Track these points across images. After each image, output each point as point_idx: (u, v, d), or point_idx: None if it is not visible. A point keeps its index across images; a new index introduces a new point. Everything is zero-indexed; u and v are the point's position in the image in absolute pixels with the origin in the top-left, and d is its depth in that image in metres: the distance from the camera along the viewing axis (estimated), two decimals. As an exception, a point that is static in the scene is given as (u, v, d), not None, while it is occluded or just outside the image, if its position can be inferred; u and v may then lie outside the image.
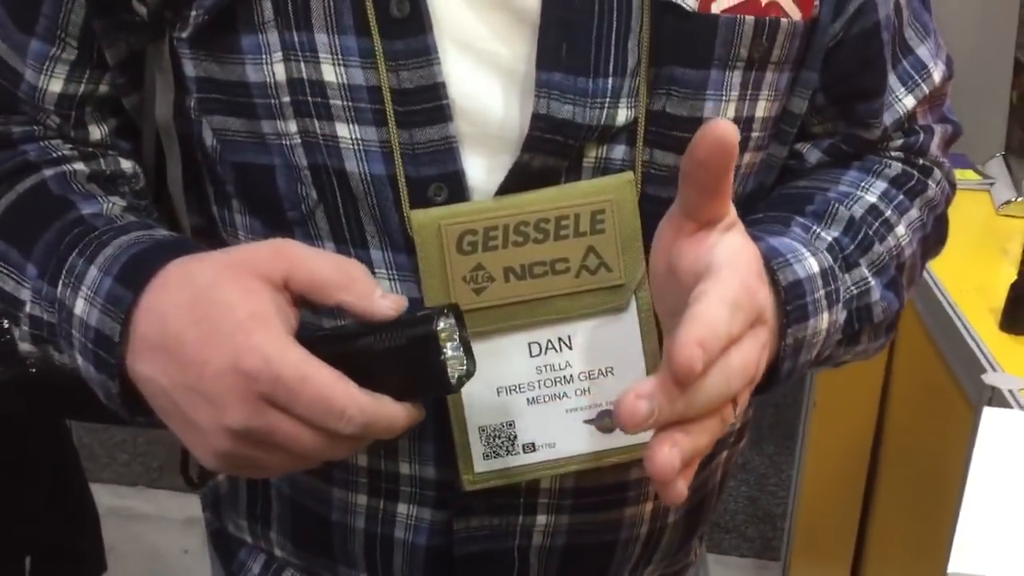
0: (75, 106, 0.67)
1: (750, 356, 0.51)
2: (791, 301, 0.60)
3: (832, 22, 0.67)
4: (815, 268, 0.62)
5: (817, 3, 0.65)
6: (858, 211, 0.69)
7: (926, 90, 0.74)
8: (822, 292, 0.62)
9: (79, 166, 0.67)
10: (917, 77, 0.73)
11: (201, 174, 0.68)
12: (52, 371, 0.65)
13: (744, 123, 0.66)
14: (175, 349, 0.53)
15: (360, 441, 0.55)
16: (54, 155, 0.67)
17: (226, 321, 0.52)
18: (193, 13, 0.60)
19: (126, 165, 0.69)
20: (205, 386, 0.52)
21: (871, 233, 0.69)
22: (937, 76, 0.74)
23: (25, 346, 0.64)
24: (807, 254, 0.62)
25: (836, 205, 0.69)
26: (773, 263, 0.60)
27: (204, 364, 0.52)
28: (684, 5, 0.61)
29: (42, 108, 0.66)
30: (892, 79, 0.72)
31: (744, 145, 0.66)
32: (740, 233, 0.54)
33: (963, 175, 1.99)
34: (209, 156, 0.66)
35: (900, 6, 0.71)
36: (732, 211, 0.54)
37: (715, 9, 0.61)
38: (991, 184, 1.89)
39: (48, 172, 0.66)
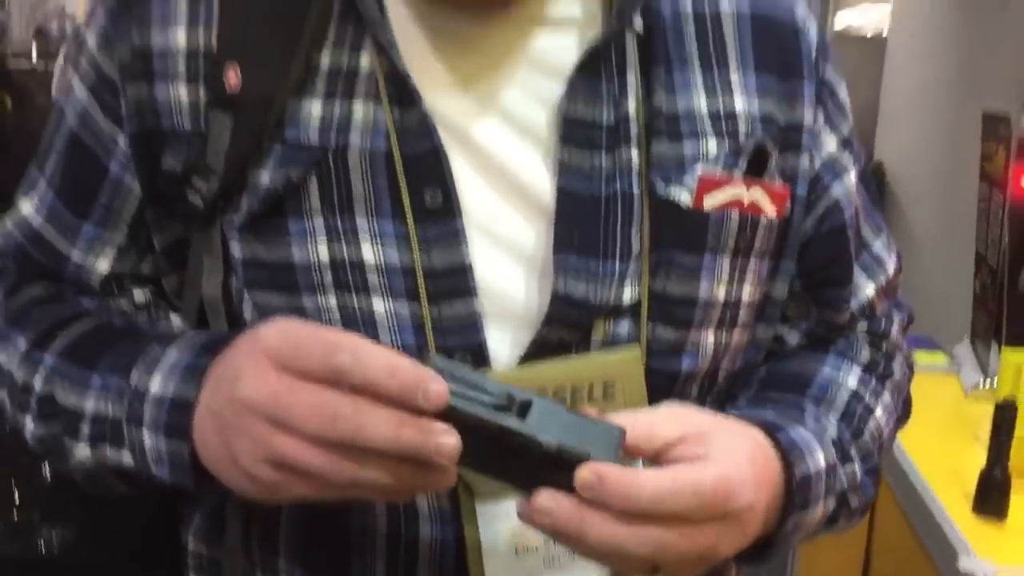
0: (118, 282, 0.74)
1: (696, 545, 0.58)
2: (799, 493, 0.67)
3: (804, 219, 0.77)
4: (822, 463, 0.69)
5: (789, 205, 0.75)
6: (844, 396, 0.78)
7: (883, 280, 0.83)
8: (823, 485, 0.70)
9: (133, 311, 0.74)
10: (876, 268, 0.83)
11: None
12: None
13: (732, 304, 0.74)
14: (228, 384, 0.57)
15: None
16: (111, 305, 0.74)
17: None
18: (246, 203, 0.67)
19: (175, 319, 0.75)
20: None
21: (858, 420, 0.77)
22: (891, 268, 0.84)
23: (81, 452, 0.67)
24: (817, 447, 0.70)
25: (832, 390, 0.77)
26: (790, 456, 0.67)
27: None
28: (680, 203, 0.70)
29: (88, 284, 0.73)
30: (855, 269, 0.81)
31: (732, 324, 0.75)
32: (730, 433, 0.62)
33: (932, 358, 2.07)
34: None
35: (857, 208, 0.81)
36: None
37: (707, 206, 0.71)
38: (959, 368, 1.96)
39: (106, 314, 0.72)
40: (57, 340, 0.70)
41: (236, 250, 0.69)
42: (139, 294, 0.75)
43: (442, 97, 0.68)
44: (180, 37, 0.68)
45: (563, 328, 0.68)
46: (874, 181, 0.85)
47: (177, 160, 0.69)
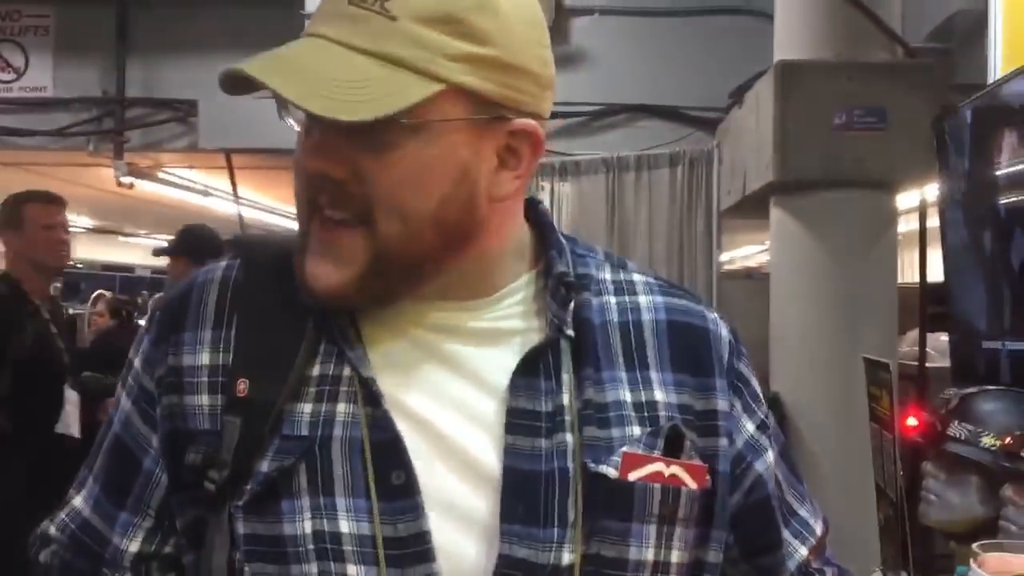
0: (146, 563, 0.88)
1: None
2: None
3: (731, 493, 0.89)
4: None
5: (709, 478, 0.86)
6: None
7: (813, 541, 0.95)
8: None
9: None
10: (804, 532, 0.95)
11: None
12: None
13: (662, 566, 0.84)
14: None
15: None
16: None
17: None
18: (249, 488, 0.81)
19: None
20: None
21: None
22: (818, 529, 0.96)
23: None
24: None
25: None
26: None
27: None
28: (607, 474, 0.82)
29: (120, 564, 0.88)
30: (787, 534, 0.94)
31: None
32: None
33: (847, 590, 2.12)
34: None
35: (779, 480, 0.94)
36: None
37: (631, 478, 0.83)
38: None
39: None
40: None
41: (239, 528, 0.82)
42: None
43: (405, 393, 0.83)
44: (205, 358, 0.86)
45: None
46: (792, 456, 0.98)
47: (197, 454, 0.84)
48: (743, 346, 0.94)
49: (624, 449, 0.83)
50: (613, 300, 0.90)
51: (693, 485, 0.85)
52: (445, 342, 0.85)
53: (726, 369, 0.90)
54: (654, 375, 0.87)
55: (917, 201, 3.86)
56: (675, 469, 0.84)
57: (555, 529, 0.81)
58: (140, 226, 12.25)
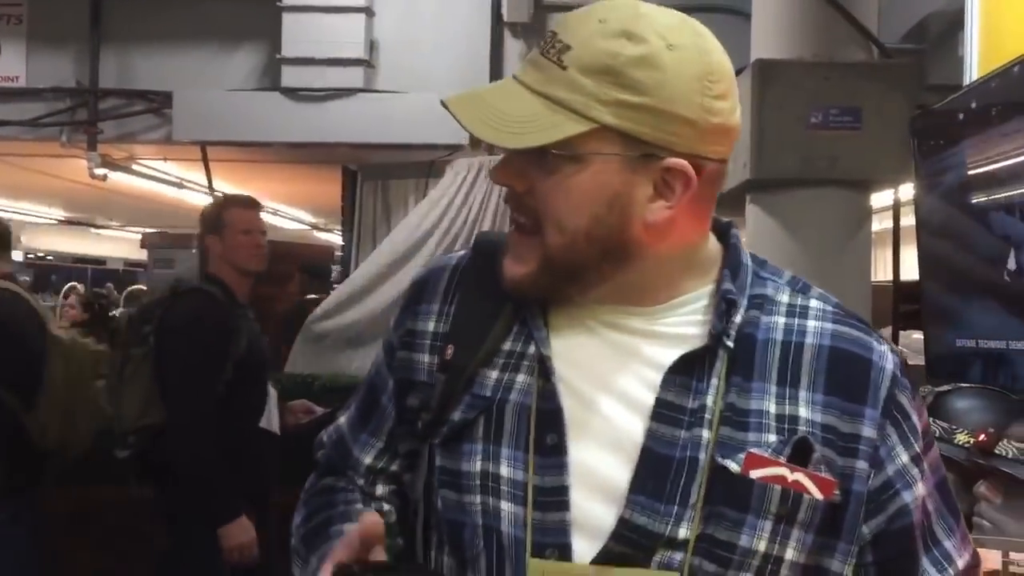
0: (374, 474, 1.12)
1: None
2: None
3: (874, 516, 0.98)
4: None
5: (837, 492, 0.95)
6: None
7: (951, 572, 1.01)
8: None
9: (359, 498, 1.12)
10: (945, 564, 1.01)
11: (429, 524, 1.05)
12: None
13: (774, 559, 0.95)
14: None
15: None
16: (351, 494, 1.12)
17: None
18: (444, 430, 1.02)
19: (387, 508, 1.11)
20: None
21: None
22: (961, 563, 1.02)
23: None
24: None
25: None
26: None
27: None
28: (730, 468, 0.95)
29: (358, 471, 1.12)
30: (926, 562, 1.00)
31: (773, 575, 0.95)
32: None
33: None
34: (436, 513, 1.03)
35: (928, 511, 1.01)
36: None
37: (752, 475, 0.95)
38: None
39: (341, 499, 1.11)
40: (309, 525, 1.10)
41: (436, 460, 1.03)
42: (381, 488, 1.12)
43: (574, 373, 1.00)
44: (431, 326, 1.08)
45: (626, 546, 0.94)
46: (951, 491, 1.05)
47: (415, 399, 1.07)
48: (907, 380, 1.01)
49: (750, 450, 0.95)
50: (782, 320, 1.01)
51: (818, 495, 0.95)
52: (616, 336, 1.01)
53: (883, 399, 0.98)
54: (803, 394, 0.97)
55: (891, 200, 3.90)
56: (799, 476, 0.95)
57: (675, 507, 0.94)
58: (113, 218, 12.14)
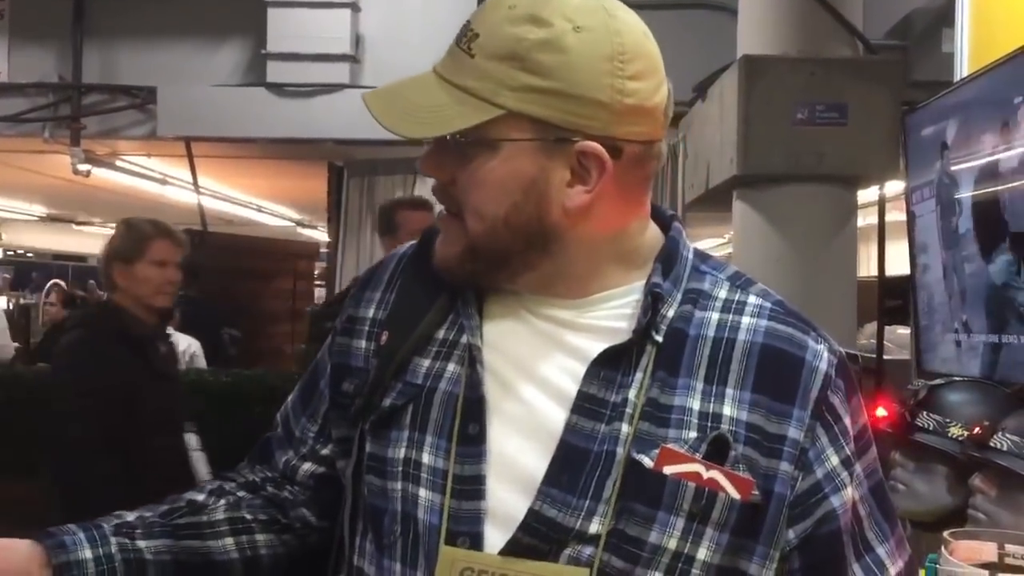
0: (311, 454, 1.12)
1: None
2: None
3: (799, 520, 0.95)
4: None
5: (756, 492, 0.93)
6: None
7: None
8: None
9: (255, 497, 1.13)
10: (877, 571, 0.98)
11: (356, 511, 1.05)
12: None
13: (685, 558, 0.92)
14: None
15: None
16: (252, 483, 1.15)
17: None
18: (374, 416, 1.02)
19: (297, 510, 1.12)
20: None
21: None
22: (893, 571, 0.99)
23: None
24: None
25: None
26: None
27: None
28: (644, 463, 0.93)
29: (298, 450, 1.13)
30: (857, 568, 0.97)
31: (683, 574, 0.92)
32: None
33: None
34: (362, 499, 1.03)
35: (860, 515, 0.97)
36: None
37: (666, 471, 0.92)
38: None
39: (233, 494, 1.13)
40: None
41: (366, 446, 1.02)
42: (306, 467, 1.13)
43: (501, 362, 0.99)
44: (370, 312, 1.09)
45: (535, 538, 0.93)
46: (887, 496, 1.01)
47: (350, 385, 1.07)
48: (845, 382, 0.98)
49: (666, 445, 0.93)
50: (715, 316, 0.98)
51: (734, 495, 0.92)
52: (545, 326, 1.00)
53: (814, 400, 0.95)
54: (730, 391, 0.95)
55: (875, 196, 3.92)
56: (715, 474, 0.93)
57: (588, 501, 0.93)
58: (95, 214, 12.07)
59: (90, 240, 15.09)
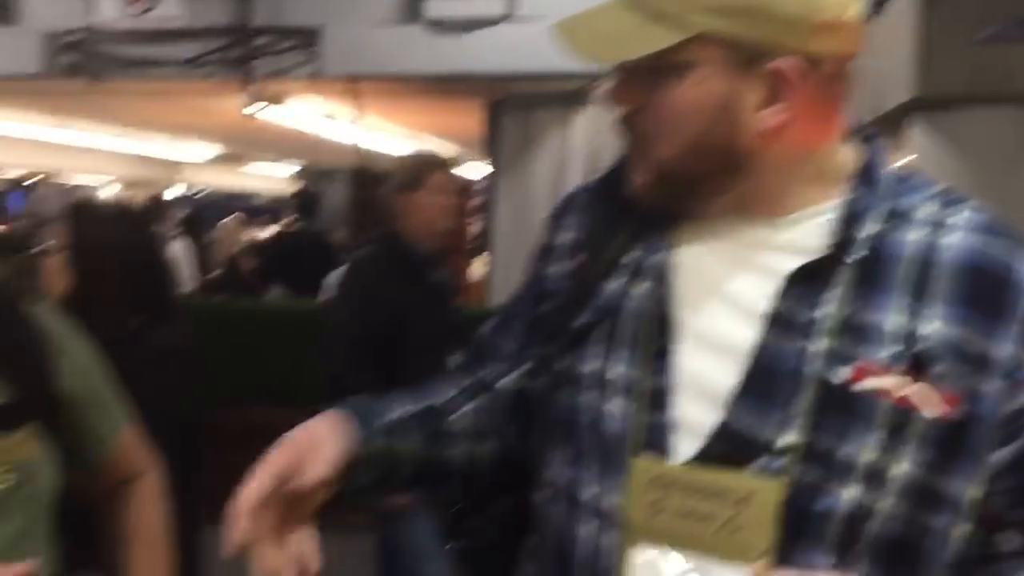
0: (509, 370, 1.17)
1: None
2: None
3: (1009, 440, 0.92)
4: None
5: (958, 410, 0.90)
6: None
7: None
8: None
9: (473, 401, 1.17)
10: None
11: (547, 426, 1.09)
12: None
13: (878, 472, 0.91)
14: None
15: None
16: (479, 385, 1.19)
17: None
18: (567, 335, 1.06)
19: (497, 423, 1.17)
20: None
21: None
22: None
23: None
24: None
25: None
26: None
27: None
28: (836, 380, 0.92)
29: (497, 369, 1.18)
30: None
31: (877, 488, 0.91)
32: None
33: None
34: (552, 414, 1.08)
35: None
36: None
37: (861, 387, 0.92)
38: None
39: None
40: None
41: (561, 363, 1.07)
42: (506, 382, 1.17)
43: (692, 281, 1.01)
44: (566, 238, 1.14)
45: (725, 449, 0.95)
46: None
47: (548, 306, 1.12)
48: None
49: (862, 362, 0.92)
50: (919, 234, 0.97)
51: (932, 411, 0.91)
52: (737, 247, 1.01)
53: (1021, 318, 0.93)
54: (932, 308, 0.93)
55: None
56: (914, 390, 0.91)
57: (779, 415, 0.93)
58: (263, 154, 12.57)
59: (258, 180, 15.74)
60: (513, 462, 1.17)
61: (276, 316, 5.11)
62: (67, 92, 5.89)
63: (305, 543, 0.97)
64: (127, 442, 1.47)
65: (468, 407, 1.16)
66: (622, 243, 1.07)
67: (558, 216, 1.17)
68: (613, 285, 1.06)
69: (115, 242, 2.05)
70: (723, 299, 1.00)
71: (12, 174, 12.99)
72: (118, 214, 2.13)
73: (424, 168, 3.03)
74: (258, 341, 4.71)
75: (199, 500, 2.03)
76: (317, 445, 0.99)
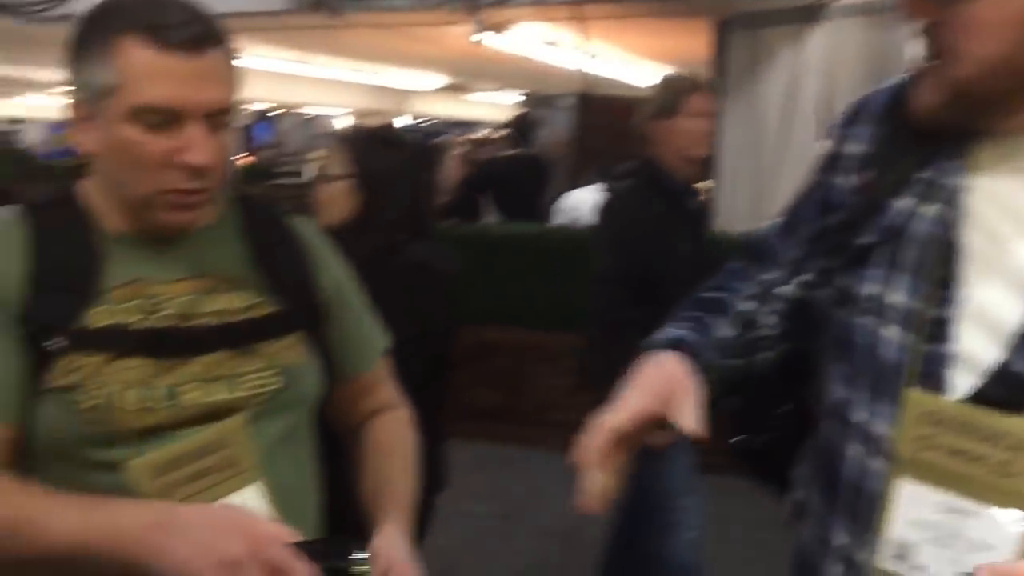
0: (794, 276, 1.16)
1: None
2: None
3: None
4: None
5: None
6: None
7: None
8: None
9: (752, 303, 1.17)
10: None
11: (828, 341, 1.08)
12: None
13: None
14: None
15: None
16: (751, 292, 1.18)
17: None
18: (849, 252, 1.05)
19: (773, 327, 1.17)
20: None
21: None
22: None
23: None
24: None
25: None
26: None
27: None
28: None
29: (780, 270, 1.17)
30: None
31: None
32: None
33: None
34: (835, 329, 1.06)
35: None
36: None
37: None
38: None
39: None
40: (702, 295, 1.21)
41: (837, 279, 1.06)
42: (785, 290, 1.17)
43: (991, 211, 0.96)
44: (855, 149, 1.10)
45: (1003, 391, 0.91)
46: None
47: (832, 219, 1.09)
48: None
49: None
50: None
51: None
52: None
53: None
54: None
55: None
56: None
57: None
58: (488, 83, 12.77)
59: (481, 108, 16.03)
60: (794, 368, 1.17)
61: (505, 240, 5.24)
62: (308, 27, 6.19)
63: (613, 477, 0.99)
64: (383, 372, 1.53)
65: (768, 314, 1.16)
66: (913, 160, 1.02)
67: (847, 124, 1.12)
68: (900, 205, 1.02)
69: (401, 167, 2.12)
70: (1021, 226, 0.95)
71: (257, 107, 13.85)
72: (400, 140, 2.20)
73: (681, 92, 2.86)
74: (488, 263, 4.86)
75: (443, 417, 2.12)
76: (676, 391, 1.00)
